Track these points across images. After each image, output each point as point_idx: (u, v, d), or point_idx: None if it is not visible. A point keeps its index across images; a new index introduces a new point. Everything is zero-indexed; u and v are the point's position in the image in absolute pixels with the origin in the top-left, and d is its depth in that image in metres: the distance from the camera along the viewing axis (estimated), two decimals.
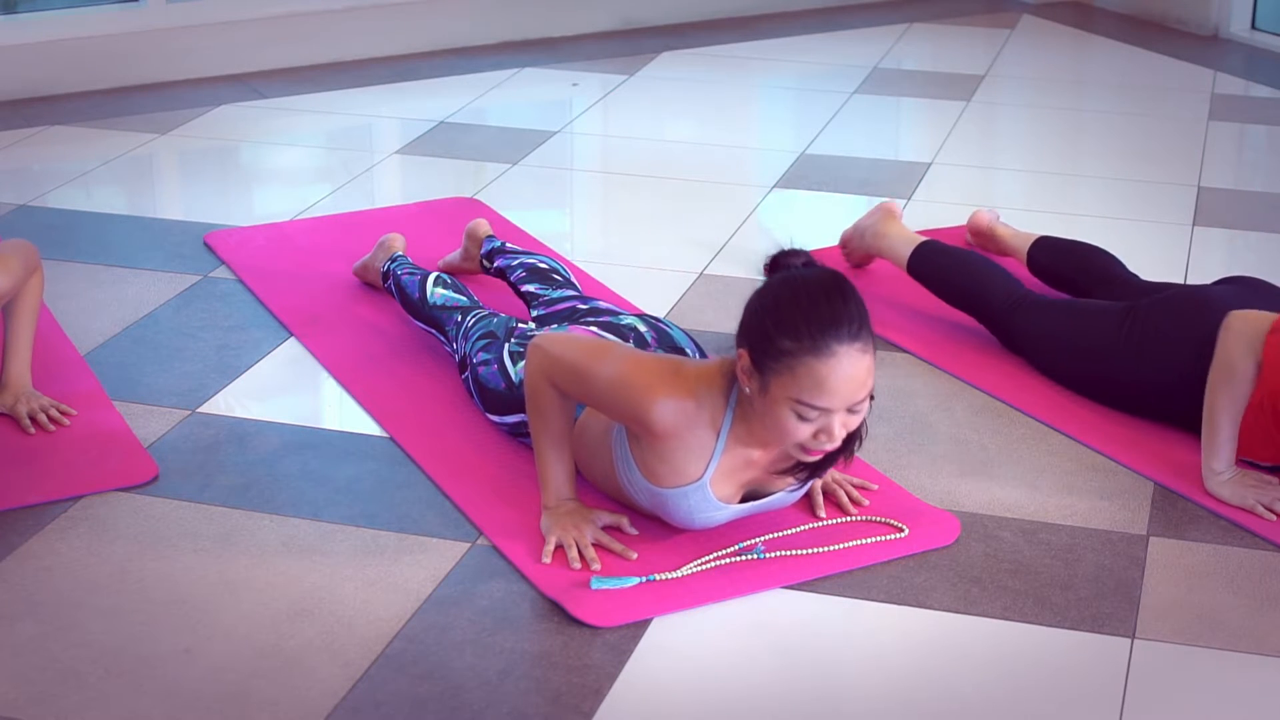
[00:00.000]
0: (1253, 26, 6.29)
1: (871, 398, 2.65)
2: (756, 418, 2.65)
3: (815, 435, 2.60)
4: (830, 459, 2.73)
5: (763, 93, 5.79)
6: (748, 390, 2.63)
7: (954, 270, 3.64)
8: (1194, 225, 4.39)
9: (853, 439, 2.69)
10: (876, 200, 4.60)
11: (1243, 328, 2.98)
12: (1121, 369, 3.27)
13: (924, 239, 3.74)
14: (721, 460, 2.72)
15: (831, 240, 4.20)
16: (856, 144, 5.03)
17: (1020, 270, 3.85)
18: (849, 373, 2.55)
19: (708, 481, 2.74)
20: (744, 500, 2.83)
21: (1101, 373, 3.32)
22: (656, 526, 2.88)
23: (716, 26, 6.38)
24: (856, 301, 2.59)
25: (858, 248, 3.93)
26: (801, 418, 2.58)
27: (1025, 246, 3.83)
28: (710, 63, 5.93)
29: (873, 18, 6.54)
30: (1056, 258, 3.76)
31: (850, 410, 2.59)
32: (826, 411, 2.57)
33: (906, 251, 3.72)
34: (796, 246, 2.75)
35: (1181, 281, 3.94)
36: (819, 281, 2.61)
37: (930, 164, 4.86)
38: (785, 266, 2.69)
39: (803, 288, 2.60)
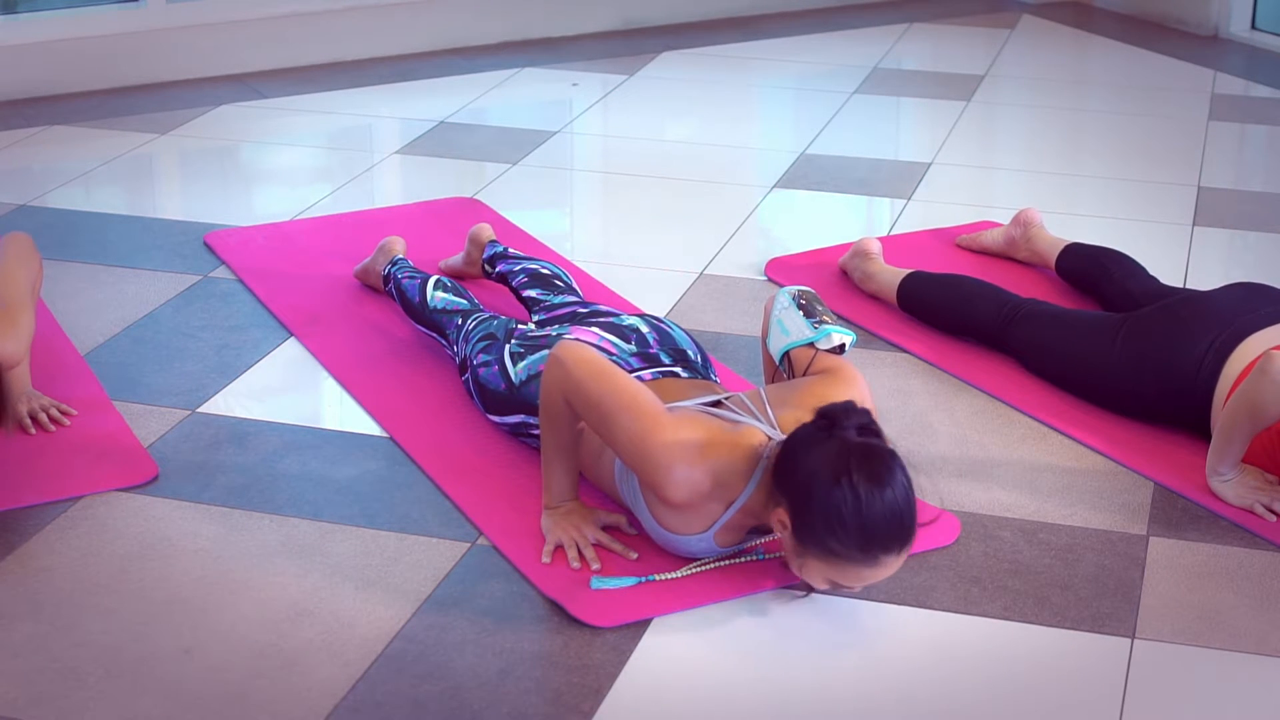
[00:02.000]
0: (1253, 26, 6.29)
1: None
2: (775, 532, 2.65)
3: (833, 586, 2.64)
4: None
5: (763, 93, 5.79)
6: (778, 533, 2.62)
7: (940, 301, 3.67)
8: (1194, 225, 4.39)
9: None
10: (877, 200, 4.61)
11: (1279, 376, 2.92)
12: (1119, 377, 3.27)
13: (906, 274, 3.75)
14: (728, 522, 2.72)
15: (830, 240, 4.21)
16: (856, 144, 5.03)
17: (1044, 275, 3.87)
18: (886, 573, 2.59)
19: (712, 535, 2.74)
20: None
21: (1099, 381, 3.31)
22: None
23: (716, 26, 6.38)
24: (909, 509, 2.53)
25: (853, 282, 3.93)
26: (826, 583, 2.62)
27: (1057, 250, 3.86)
28: (710, 63, 5.93)
29: (873, 18, 6.54)
30: (1084, 258, 3.80)
31: None
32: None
33: (893, 292, 3.75)
34: (853, 407, 2.58)
35: (1182, 283, 3.94)
36: (881, 497, 2.50)
37: (930, 164, 4.86)
38: (840, 426, 2.55)
39: (864, 499, 2.49)
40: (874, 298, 3.82)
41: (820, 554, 2.55)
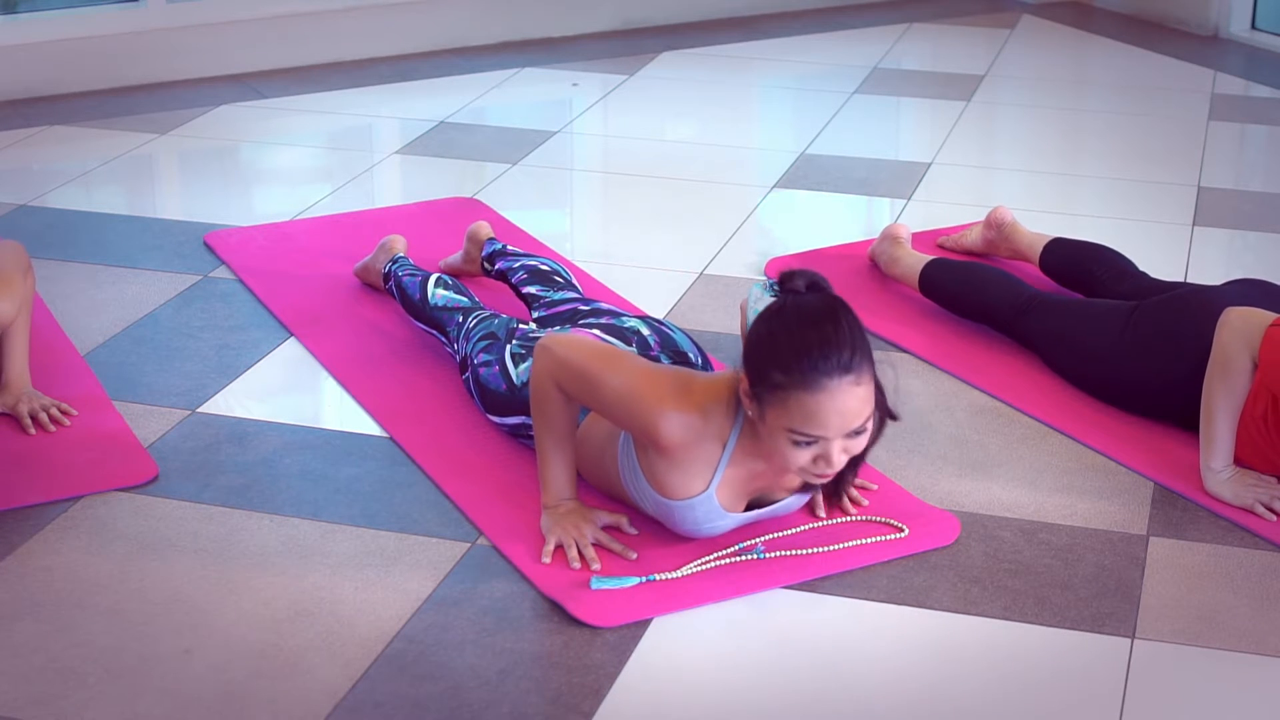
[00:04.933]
0: (1253, 26, 6.29)
1: (893, 417, 2.69)
2: (760, 436, 2.66)
3: (815, 460, 2.61)
4: (839, 477, 2.76)
5: (763, 93, 5.79)
6: (750, 412, 2.64)
7: (960, 286, 3.71)
8: (1194, 225, 4.39)
9: (859, 460, 2.72)
10: (877, 200, 4.61)
11: (1240, 325, 2.99)
12: (1126, 367, 3.28)
13: (930, 259, 3.78)
14: (727, 472, 2.73)
15: (830, 240, 4.21)
16: (856, 144, 5.03)
17: (1031, 271, 3.87)
18: (840, 406, 2.55)
19: (714, 492, 2.74)
20: (749, 508, 2.84)
21: (1108, 372, 3.32)
22: (657, 526, 2.88)
23: (716, 26, 6.38)
24: (850, 331, 2.56)
25: (881, 269, 3.97)
26: (798, 444, 2.59)
27: (1038, 247, 3.86)
28: (710, 63, 5.93)
29: (873, 18, 6.54)
30: (1068, 258, 3.80)
31: (850, 435, 2.60)
32: (823, 439, 2.58)
33: (916, 276, 3.79)
34: (808, 270, 2.68)
35: (1183, 282, 3.94)
36: (811, 312, 2.58)
37: (930, 164, 4.86)
38: (789, 287, 2.65)
39: (794, 319, 2.58)
40: (898, 281, 3.88)
41: (772, 398, 2.57)
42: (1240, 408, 2.99)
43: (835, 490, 2.85)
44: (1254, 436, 3.01)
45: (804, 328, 2.56)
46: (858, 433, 2.60)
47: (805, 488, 2.83)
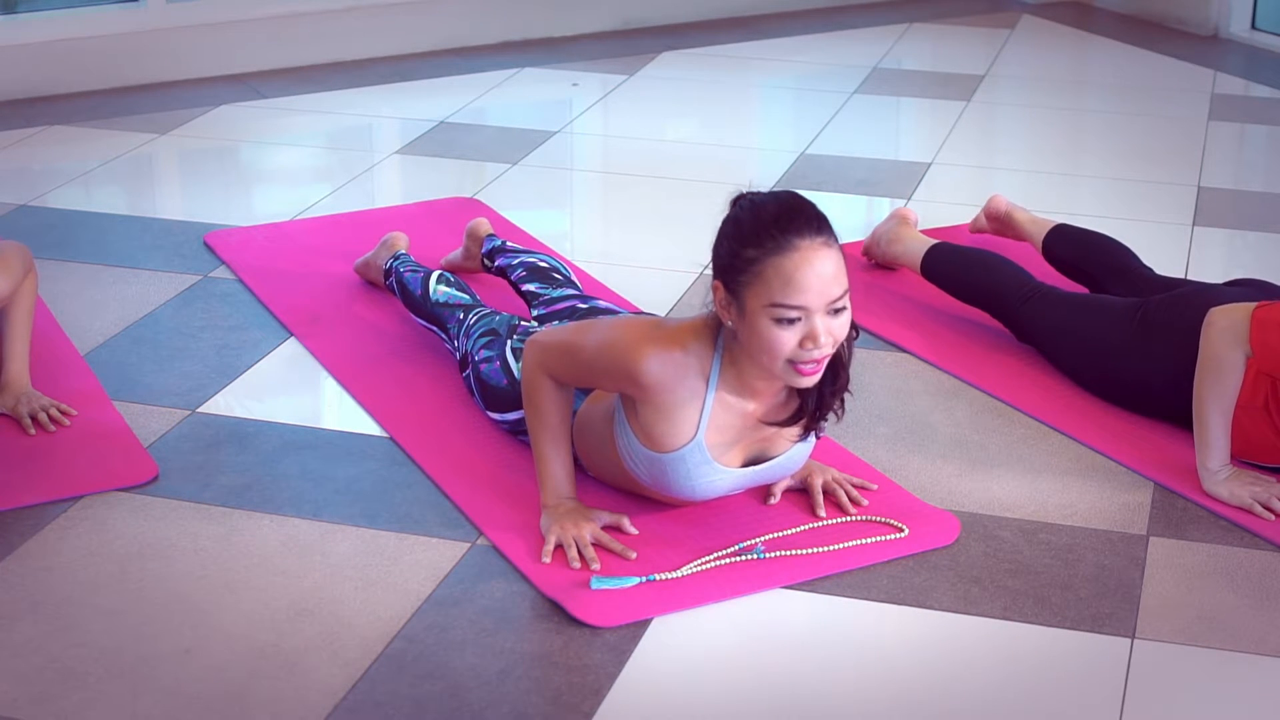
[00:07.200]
0: (1253, 26, 6.29)
1: (856, 331, 2.70)
2: (744, 353, 2.67)
3: (802, 344, 2.60)
4: (826, 403, 2.74)
5: (763, 93, 5.79)
6: (729, 322, 2.65)
7: (964, 270, 3.70)
8: (1194, 225, 4.39)
9: (841, 369, 2.72)
10: (877, 200, 4.61)
11: (1225, 323, 3.00)
12: (1129, 365, 3.28)
13: (936, 242, 3.78)
14: (714, 411, 2.72)
15: None
16: (856, 144, 5.03)
17: (1035, 257, 3.87)
18: (817, 268, 2.57)
19: (702, 439, 2.74)
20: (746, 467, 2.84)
21: (1109, 368, 3.32)
22: (656, 526, 2.88)
23: (716, 26, 6.38)
24: (812, 206, 2.64)
25: (878, 255, 3.96)
26: (782, 322, 2.59)
27: (1041, 233, 3.87)
28: (710, 63, 5.93)
29: (873, 18, 6.54)
30: (1072, 248, 3.80)
31: (830, 313, 2.60)
32: (805, 311, 2.58)
33: (919, 256, 3.77)
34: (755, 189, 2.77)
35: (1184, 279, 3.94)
36: (773, 195, 2.67)
37: (930, 164, 4.86)
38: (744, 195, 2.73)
39: (759, 202, 2.65)
40: (893, 263, 3.89)
41: (747, 279, 2.59)
42: (1232, 407, 3.00)
43: (820, 407, 2.76)
44: (1259, 426, 3.01)
45: (767, 207, 2.63)
46: (838, 311, 2.61)
47: (796, 414, 2.76)
